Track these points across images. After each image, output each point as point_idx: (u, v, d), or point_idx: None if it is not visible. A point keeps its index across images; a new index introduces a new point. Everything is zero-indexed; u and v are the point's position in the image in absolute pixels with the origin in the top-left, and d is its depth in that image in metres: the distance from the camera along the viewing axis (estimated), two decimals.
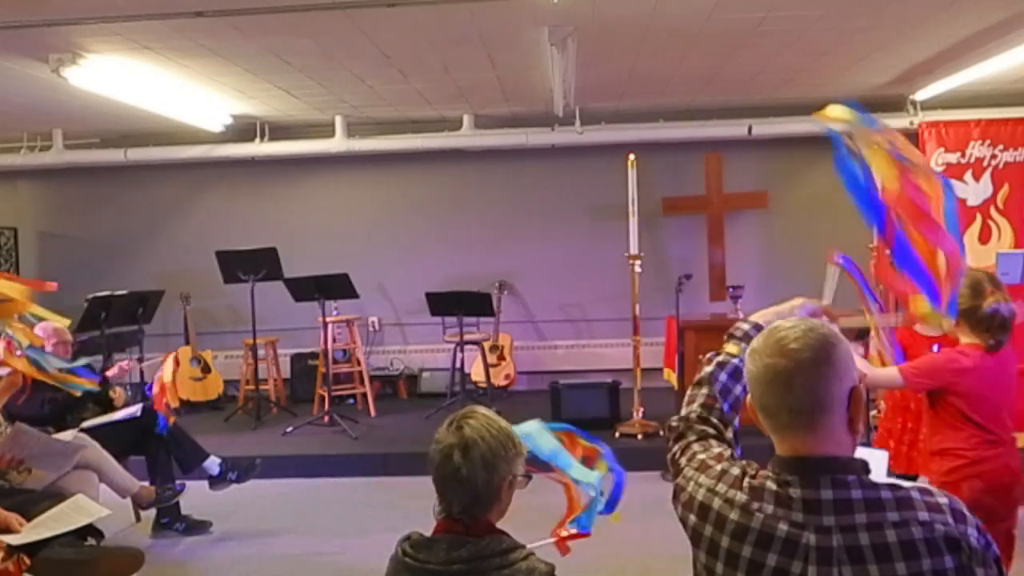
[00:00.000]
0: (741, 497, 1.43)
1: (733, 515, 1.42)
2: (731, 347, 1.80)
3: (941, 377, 2.73)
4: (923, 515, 1.34)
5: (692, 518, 1.50)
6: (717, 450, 1.59)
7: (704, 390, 1.74)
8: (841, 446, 1.42)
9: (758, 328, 1.75)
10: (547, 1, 4.15)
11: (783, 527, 1.38)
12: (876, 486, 1.39)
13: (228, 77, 5.83)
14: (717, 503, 1.46)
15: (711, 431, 1.66)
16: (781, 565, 1.37)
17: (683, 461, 1.60)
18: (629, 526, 4.71)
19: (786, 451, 1.44)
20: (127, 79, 5.56)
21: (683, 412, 1.72)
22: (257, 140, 7.72)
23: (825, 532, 1.35)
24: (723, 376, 1.75)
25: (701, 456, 1.58)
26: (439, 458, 1.81)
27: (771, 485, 1.42)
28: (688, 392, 1.77)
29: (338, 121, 7.55)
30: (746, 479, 1.45)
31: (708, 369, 1.78)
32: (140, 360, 6.40)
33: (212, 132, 7.42)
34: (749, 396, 1.49)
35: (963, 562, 1.32)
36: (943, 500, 1.38)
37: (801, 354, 1.39)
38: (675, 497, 1.57)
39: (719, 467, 1.52)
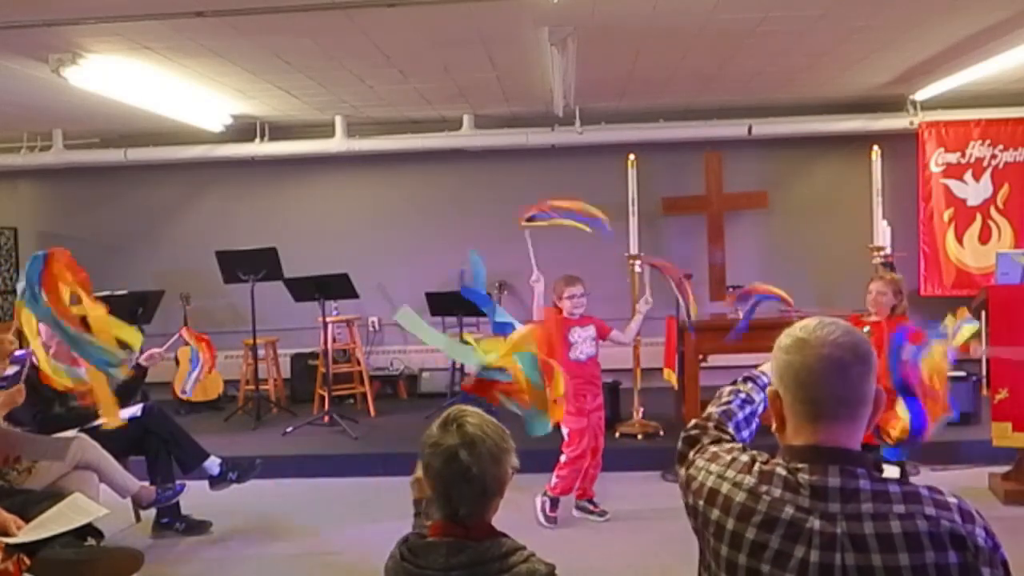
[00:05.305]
0: (750, 481, 1.46)
1: (740, 497, 1.45)
2: (747, 387, 1.89)
3: None
4: (929, 510, 1.36)
5: (701, 503, 1.52)
6: (728, 445, 1.63)
7: (718, 408, 1.80)
8: (857, 440, 1.45)
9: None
10: (547, 1, 4.15)
11: (789, 510, 1.40)
12: (884, 480, 1.41)
13: (228, 77, 5.83)
14: (726, 487, 1.49)
15: (725, 436, 1.70)
16: (784, 548, 1.38)
17: (695, 456, 1.63)
18: (630, 525, 4.73)
19: (800, 440, 1.45)
20: (127, 79, 5.56)
21: (703, 416, 1.76)
22: (257, 140, 7.72)
23: (830, 519, 1.37)
24: (738, 402, 1.84)
25: (713, 449, 1.62)
26: (441, 460, 1.76)
27: (780, 471, 1.44)
28: (709, 408, 1.83)
29: (338, 121, 7.55)
30: (756, 464, 1.49)
31: (727, 396, 1.85)
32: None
33: (212, 132, 7.42)
34: (781, 389, 1.48)
35: (968, 560, 1.32)
36: (952, 499, 1.39)
37: (858, 348, 1.43)
38: (686, 487, 1.60)
39: (729, 457, 1.55)
